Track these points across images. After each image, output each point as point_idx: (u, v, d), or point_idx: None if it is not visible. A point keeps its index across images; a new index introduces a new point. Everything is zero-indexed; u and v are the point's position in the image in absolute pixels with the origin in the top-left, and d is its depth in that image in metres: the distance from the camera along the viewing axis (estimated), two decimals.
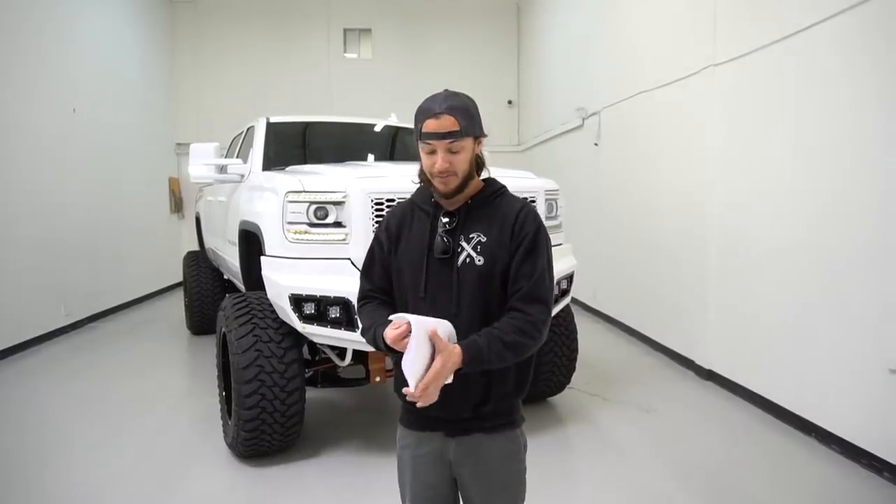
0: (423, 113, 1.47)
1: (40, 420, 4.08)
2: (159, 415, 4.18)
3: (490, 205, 1.57)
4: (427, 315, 1.42)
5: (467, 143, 1.49)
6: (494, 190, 1.60)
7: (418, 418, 1.58)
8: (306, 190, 3.13)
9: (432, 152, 1.47)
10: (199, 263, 6.51)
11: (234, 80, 10.47)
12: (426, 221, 1.58)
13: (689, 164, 5.02)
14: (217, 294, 6.29)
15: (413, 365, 1.34)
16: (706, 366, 4.79)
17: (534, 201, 3.51)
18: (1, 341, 5.52)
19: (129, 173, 8.43)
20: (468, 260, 1.51)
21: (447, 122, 1.44)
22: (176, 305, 8.17)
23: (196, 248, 7.24)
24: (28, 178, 6.00)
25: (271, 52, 10.57)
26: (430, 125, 1.45)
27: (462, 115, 1.46)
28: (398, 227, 1.63)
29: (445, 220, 1.55)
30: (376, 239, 1.67)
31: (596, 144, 7.09)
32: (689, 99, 4.99)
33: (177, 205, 10.36)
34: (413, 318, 1.37)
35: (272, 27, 10.59)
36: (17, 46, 5.91)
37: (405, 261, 1.58)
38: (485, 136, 1.56)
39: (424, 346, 1.34)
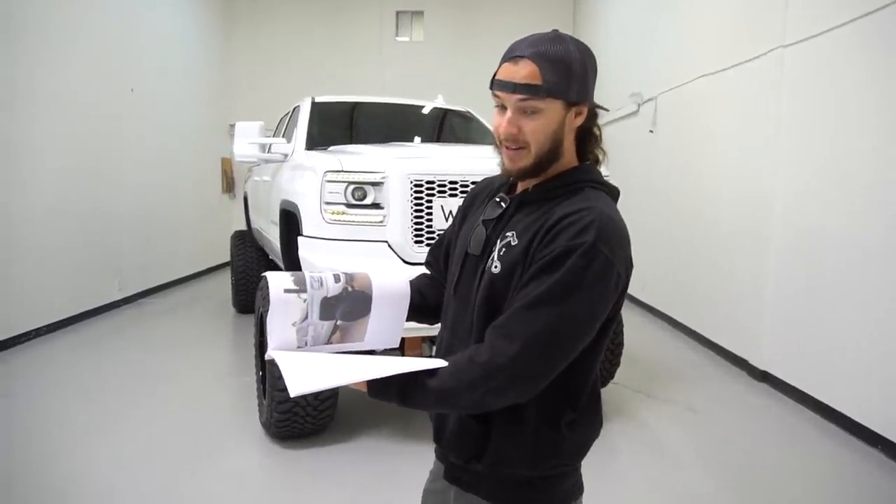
0: (505, 54, 1.11)
1: (86, 392, 4.18)
2: (200, 391, 4.23)
3: (551, 199, 1.13)
4: (451, 318, 1.25)
5: (552, 106, 1.07)
6: (571, 181, 1.15)
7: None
8: (345, 170, 3.06)
9: (502, 108, 1.12)
10: (246, 243, 6.59)
11: (287, 63, 10.54)
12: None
13: (751, 153, 4.73)
14: (261, 274, 6.34)
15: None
16: (761, 366, 4.53)
17: None
18: (57, 312, 5.71)
19: (183, 153, 8.61)
20: (490, 263, 1.15)
21: (525, 71, 1.06)
22: (225, 284, 8.32)
23: (244, 227, 7.34)
24: (86, 154, 6.16)
25: (324, 35, 10.58)
26: (503, 70, 1.10)
27: (551, 67, 1.05)
28: (470, 203, 1.35)
29: (500, 208, 1.20)
30: (458, 210, 1.41)
31: (651, 131, 6.80)
32: (755, 83, 4.69)
33: (229, 184, 10.54)
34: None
35: (326, 10, 10.59)
36: (81, 28, 6.05)
37: (457, 246, 1.29)
38: (588, 103, 1.12)
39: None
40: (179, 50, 8.59)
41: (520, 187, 1.21)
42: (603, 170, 1.22)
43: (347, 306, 1.23)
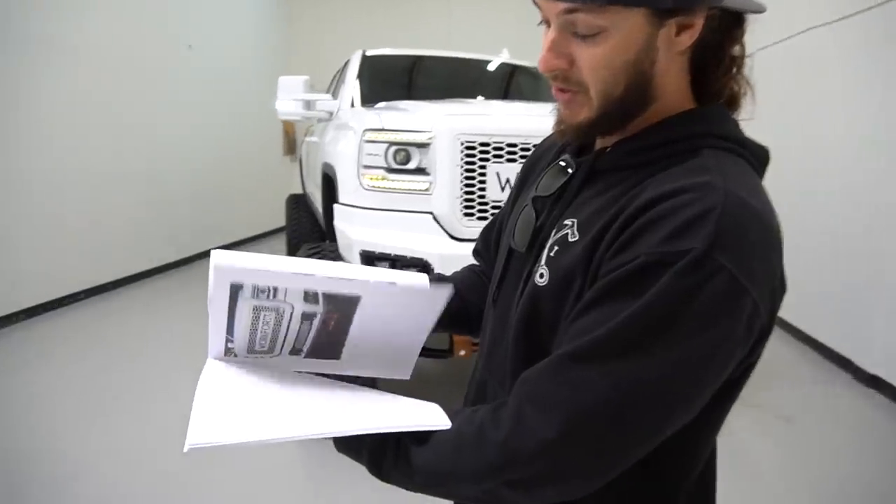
0: None
1: (116, 358, 4.03)
2: None
3: (642, 167, 0.67)
4: (489, 340, 0.84)
5: (624, 20, 0.62)
6: (678, 136, 0.68)
7: None
8: (385, 128, 2.64)
9: (547, 24, 0.69)
10: (300, 207, 6.34)
11: (351, 18, 10.12)
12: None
13: (864, 122, 3.99)
14: (314, 239, 6.08)
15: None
16: (869, 369, 3.88)
17: None
18: (111, 272, 5.65)
19: (242, 113, 8.41)
20: (536, 268, 0.72)
21: None
22: (281, 249, 8.18)
23: (301, 191, 7.11)
24: (142, 113, 6.01)
25: None
26: None
27: None
28: (529, 169, 0.93)
29: (562, 177, 0.76)
30: (515, 179, 0.98)
31: None
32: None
33: (290, 146, 10.34)
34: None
35: None
36: None
37: (505, 233, 0.88)
38: (705, 5, 0.63)
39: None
40: (239, 5, 8.33)
41: (598, 143, 0.75)
42: (743, 117, 0.74)
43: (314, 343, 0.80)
